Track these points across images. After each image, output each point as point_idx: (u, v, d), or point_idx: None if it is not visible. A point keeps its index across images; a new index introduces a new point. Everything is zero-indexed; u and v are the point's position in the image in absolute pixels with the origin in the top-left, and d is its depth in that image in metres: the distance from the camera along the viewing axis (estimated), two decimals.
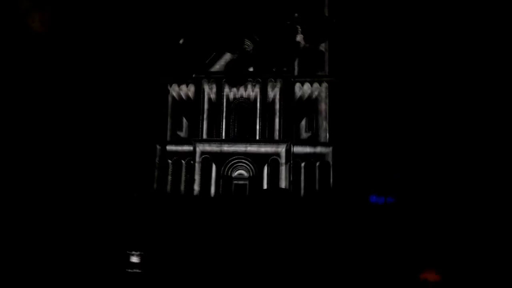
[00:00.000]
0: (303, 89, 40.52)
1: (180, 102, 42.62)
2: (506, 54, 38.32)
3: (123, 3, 43.07)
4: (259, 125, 39.74)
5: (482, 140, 39.39)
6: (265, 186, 38.28)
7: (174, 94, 42.68)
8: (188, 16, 42.84)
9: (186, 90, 42.34)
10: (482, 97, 39.68)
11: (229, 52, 40.68)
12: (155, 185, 41.31)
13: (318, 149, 39.20)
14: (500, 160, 36.32)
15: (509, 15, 38.27)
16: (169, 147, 41.69)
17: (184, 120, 42.64)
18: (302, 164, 39.35)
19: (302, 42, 40.77)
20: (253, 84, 40.47)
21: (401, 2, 42.53)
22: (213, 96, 41.20)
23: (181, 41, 42.56)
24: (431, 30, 42.57)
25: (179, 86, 42.26)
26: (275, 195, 33.15)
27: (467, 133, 39.17)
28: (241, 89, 40.86)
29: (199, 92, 41.31)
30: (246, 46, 40.82)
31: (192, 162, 40.20)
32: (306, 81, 40.21)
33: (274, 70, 40.03)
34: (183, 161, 41.44)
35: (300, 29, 40.64)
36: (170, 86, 42.36)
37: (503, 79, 38.78)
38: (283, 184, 37.98)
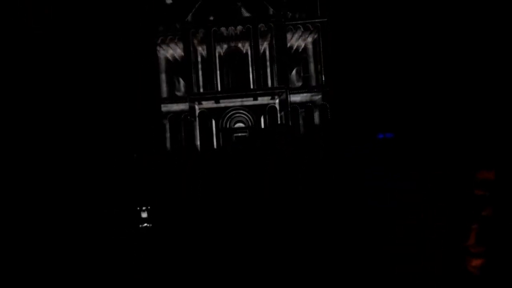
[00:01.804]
0: (295, 34, 39.23)
1: (173, 62, 41.50)
2: None
3: None
4: (254, 73, 38.87)
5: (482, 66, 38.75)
6: None
7: (167, 54, 41.41)
8: None
9: (176, 47, 40.99)
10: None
11: None
12: (153, 144, 41.30)
13: (315, 95, 38.75)
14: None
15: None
16: (165, 107, 41.15)
17: (180, 80, 41.63)
18: (301, 110, 39.07)
19: None
20: (244, 29, 38.97)
21: None
22: (203, 50, 39.93)
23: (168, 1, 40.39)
24: None
25: (168, 44, 40.80)
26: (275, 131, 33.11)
27: (465, 60, 38.32)
28: (232, 39, 39.51)
29: (189, 45, 39.97)
30: None
31: (189, 117, 39.84)
32: (298, 23, 38.80)
33: (265, 14, 38.40)
34: (181, 117, 41.11)
35: None
36: (160, 45, 40.90)
37: None
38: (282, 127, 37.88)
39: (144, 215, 18.75)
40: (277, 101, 38.17)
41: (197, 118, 39.34)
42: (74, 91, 41.63)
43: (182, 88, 41.58)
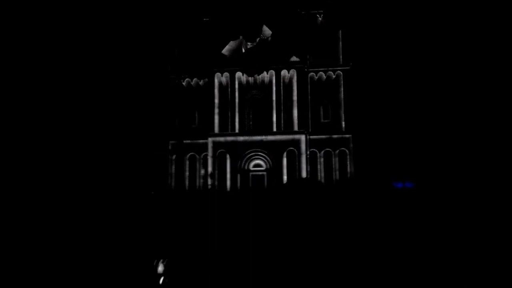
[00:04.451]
0: (317, 77, 39.63)
1: (193, 96, 42.02)
2: None
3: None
4: (275, 116, 39.05)
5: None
6: (284, 176, 37.81)
7: (187, 87, 42.13)
8: (200, 8, 41.97)
9: (199, 83, 41.80)
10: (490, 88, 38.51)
11: (246, 40, 39.60)
12: (170, 181, 41.24)
13: (335, 137, 38.50)
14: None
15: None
16: (186, 142, 41.33)
17: (197, 114, 41.97)
18: (321, 153, 38.72)
19: (317, 31, 39.81)
20: (267, 74, 39.65)
21: None
22: (225, 87, 40.55)
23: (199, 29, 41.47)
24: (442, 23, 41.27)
25: (191, 79, 41.71)
26: (296, 187, 32.57)
27: (487, 124, 38.08)
28: (255, 79, 40.08)
29: (212, 84, 40.71)
30: (262, 35, 39.77)
31: (208, 156, 39.87)
32: (320, 70, 39.39)
33: (288, 59, 39.08)
34: (197, 156, 41.16)
35: (318, 17, 39.72)
36: (183, 80, 41.80)
37: None
38: (303, 173, 37.47)
39: (161, 269, 17.85)
40: (299, 140, 38.02)
41: (214, 158, 39.38)
42: (100, 126, 42.40)
43: (200, 122, 41.73)
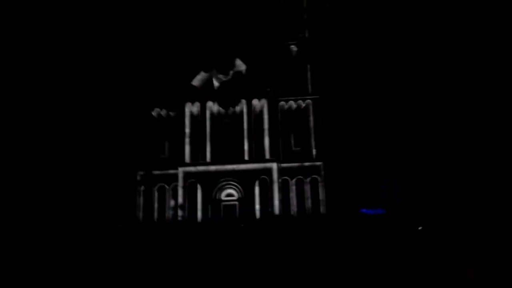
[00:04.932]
0: (287, 106, 40.25)
1: (163, 126, 41.35)
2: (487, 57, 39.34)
3: (105, 27, 42.25)
4: (247, 145, 38.99)
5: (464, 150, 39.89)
6: (256, 206, 37.38)
7: (157, 117, 41.51)
8: (171, 37, 42.13)
9: (169, 113, 41.37)
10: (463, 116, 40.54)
11: (219, 72, 39.87)
12: (138, 213, 39.71)
13: (306, 165, 38.74)
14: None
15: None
16: (153, 172, 40.29)
17: (167, 144, 41.19)
18: (293, 181, 38.73)
19: (287, 62, 40.81)
20: (238, 104, 39.95)
21: (377, 20, 43.66)
22: (196, 117, 40.30)
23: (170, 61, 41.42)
24: (409, 46, 43.62)
25: (161, 109, 41.24)
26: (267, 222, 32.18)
27: (454, 142, 39.65)
28: (226, 109, 40.15)
29: (183, 114, 40.41)
30: (236, 68, 40.23)
31: (177, 187, 38.90)
32: (290, 99, 40.10)
33: (259, 89, 39.60)
34: (167, 187, 40.08)
35: (290, 49, 40.88)
36: (153, 110, 41.24)
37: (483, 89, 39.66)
38: (275, 202, 37.23)
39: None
40: (271, 169, 37.95)
41: (185, 188, 38.47)
42: (66, 156, 40.69)
43: (170, 152, 40.87)
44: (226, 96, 39.58)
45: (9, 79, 39.66)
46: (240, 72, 40.12)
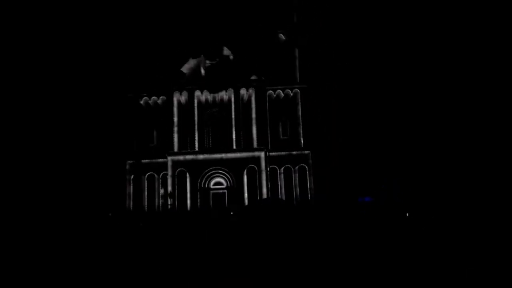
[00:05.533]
0: (275, 95, 40.55)
1: (151, 115, 41.33)
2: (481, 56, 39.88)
3: (95, 16, 41.62)
4: (235, 134, 39.29)
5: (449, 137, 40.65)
6: (245, 194, 37.93)
7: (145, 106, 41.44)
8: (159, 27, 41.73)
9: (157, 102, 41.33)
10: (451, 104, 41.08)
11: (207, 58, 39.76)
12: (128, 202, 39.95)
13: (295, 153, 39.30)
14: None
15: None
16: (142, 161, 40.42)
17: (155, 133, 41.26)
18: (281, 169, 39.30)
19: (275, 50, 40.85)
20: (226, 93, 40.06)
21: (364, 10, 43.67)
22: (184, 106, 40.37)
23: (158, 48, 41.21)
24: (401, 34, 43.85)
25: (149, 98, 41.18)
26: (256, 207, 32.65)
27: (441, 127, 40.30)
28: (214, 98, 40.30)
29: (171, 102, 40.42)
30: (223, 54, 40.16)
31: (167, 176, 39.18)
32: (278, 88, 40.37)
33: (247, 78, 39.71)
34: (156, 175, 40.32)
35: (278, 37, 40.84)
36: (141, 99, 41.15)
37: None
38: (263, 190, 37.77)
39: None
40: (258, 157, 38.40)
41: (173, 177, 38.76)
42: (54, 145, 40.43)
43: (159, 140, 41.02)
44: (214, 85, 39.66)
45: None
46: (227, 58, 40.13)
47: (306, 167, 39.09)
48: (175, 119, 40.14)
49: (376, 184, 38.78)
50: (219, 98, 40.29)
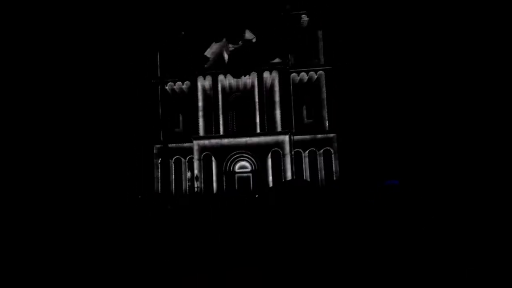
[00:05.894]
0: (299, 78, 40.14)
1: (176, 100, 42.05)
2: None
3: (116, 3, 42.18)
4: (259, 117, 39.40)
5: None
6: (269, 177, 38.23)
7: (170, 92, 42.14)
8: (181, 12, 41.92)
9: (182, 87, 41.89)
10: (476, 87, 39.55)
11: (229, 42, 39.74)
12: (157, 185, 41.17)
13: (319, 137, 39.05)
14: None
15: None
16: (169, 145, 41.34)
17: (181, 117, 42.02)
18: (305, 153, 39.23)
19: (299, 32, 40.23)
20: (249, 76, 40.01)
21: None
22: (208, 91, 40.73)
23: (181, 34, 41.60)
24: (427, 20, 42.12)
25: (174, 83, 41.80)
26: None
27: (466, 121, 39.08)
28: (237, 82, 40.40)
29: (195, 87, 40.87)
30: (246, 38, 40.01)
31: (193, 160, 39.98)
32: (302, 71, 39.89)
33: (270, 61, 39.46)
34: (183, 159, 41.22)
35: (301, 18, 40.14)
36: (166, 85, 41.83)
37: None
38: (288, 174, 37.89)
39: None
40: (283, 141, 38.47)
41: (201, 161, 39.52)
42: (81, 132, 41.95)
43: (185, 125, 41.80)
44: (237, 68, 39.68)
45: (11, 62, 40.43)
46: (250, 41, 39.93)
47: (332, 150, 38.83)
48: (200, 103, 40.65)
49: (403, 167, 38.11)
50: (243, 82, 40.35)
